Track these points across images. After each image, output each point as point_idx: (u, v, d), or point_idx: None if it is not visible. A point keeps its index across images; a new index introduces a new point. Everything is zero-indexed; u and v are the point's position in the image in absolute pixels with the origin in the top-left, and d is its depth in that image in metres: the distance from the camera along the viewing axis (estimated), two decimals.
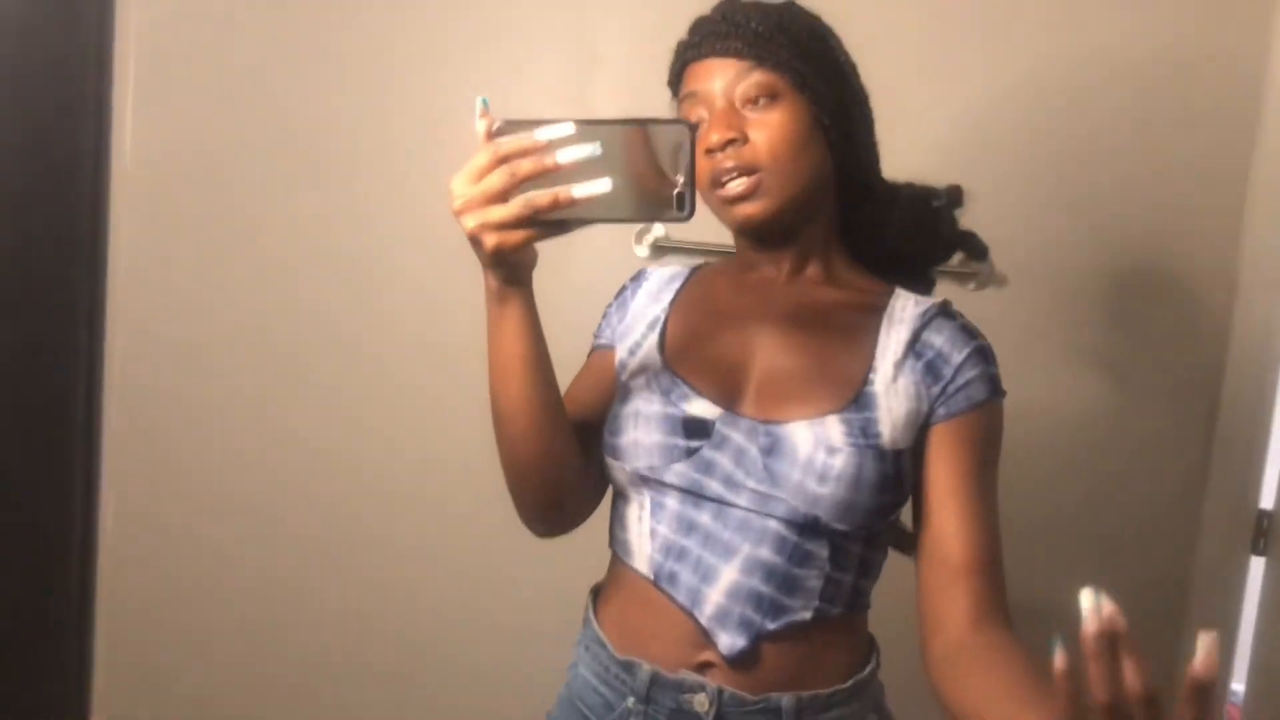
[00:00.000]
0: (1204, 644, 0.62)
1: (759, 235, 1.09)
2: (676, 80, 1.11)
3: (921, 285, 1.19)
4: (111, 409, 2.05)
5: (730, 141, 1.02)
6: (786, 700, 1.02)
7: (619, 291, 1.23)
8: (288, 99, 1.96)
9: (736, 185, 1.02)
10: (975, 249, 1.22)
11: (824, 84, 1.05)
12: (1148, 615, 1.74)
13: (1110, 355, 1.76)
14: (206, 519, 2.05)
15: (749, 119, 1.03)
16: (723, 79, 1.04)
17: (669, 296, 1.17)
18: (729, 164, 1.02)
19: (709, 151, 1.02)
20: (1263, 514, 1.77)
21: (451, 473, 1.93)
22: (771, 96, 1.03)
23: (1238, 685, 1.83)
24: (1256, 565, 1.78)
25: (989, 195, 1.73)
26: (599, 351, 1.20)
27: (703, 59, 1.06)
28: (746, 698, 1.02)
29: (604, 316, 1.22)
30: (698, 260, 1.29)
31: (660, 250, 1.83)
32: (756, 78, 1.03)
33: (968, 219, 1.20)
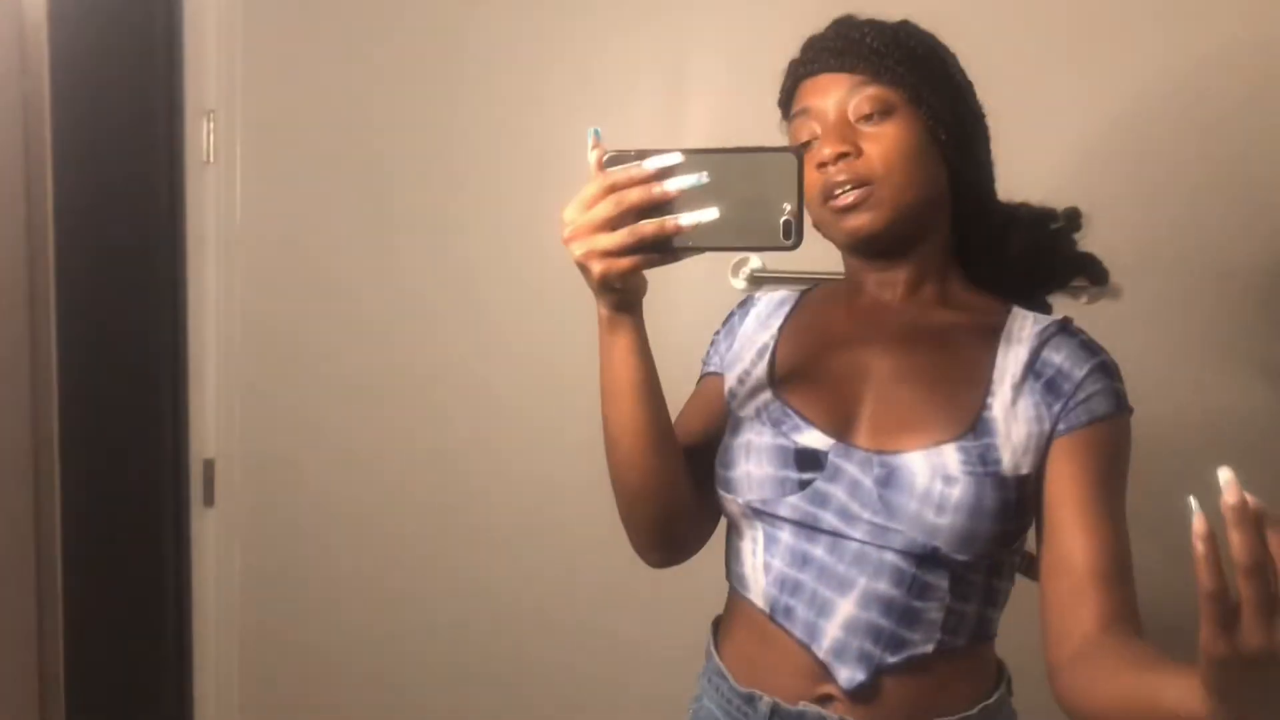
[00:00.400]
0: (1224, 478, 0.63)
1: (870, 249, 1.06)
2: (788, 100, 1.10)
3: (1039, 307, 1.14)
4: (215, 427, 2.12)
5: (843, 155, 1.00)
6: None
7: (726, 318, 1.22)
8: (386, 144, 2.03)
9: (848, 195, 1.00)
10: (1096, 273, 1.16)
11: (939, 99, 1.03)
12: None
13: (1244, 352, 1.67)
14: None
15: (863, 133, 1.01)
16: (837, 94, 1.03)
17: (778, 322, 1.16)
18: (841, 177, 1.00)
19: (821, 165, 1.01)
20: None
21: (573, 497, 1.93)
22: (886, 111, 1.01)
23: None
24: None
25: (1105, 207, 1.68)
26: (708, 379, 1.19)
27: (816, 75, 1.05)
28: None
29: (712, 344, 1.21)
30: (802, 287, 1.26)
31: (757, 282, 1.80)
32: (871, 92, 1.01)
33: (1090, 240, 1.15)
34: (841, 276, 1.16)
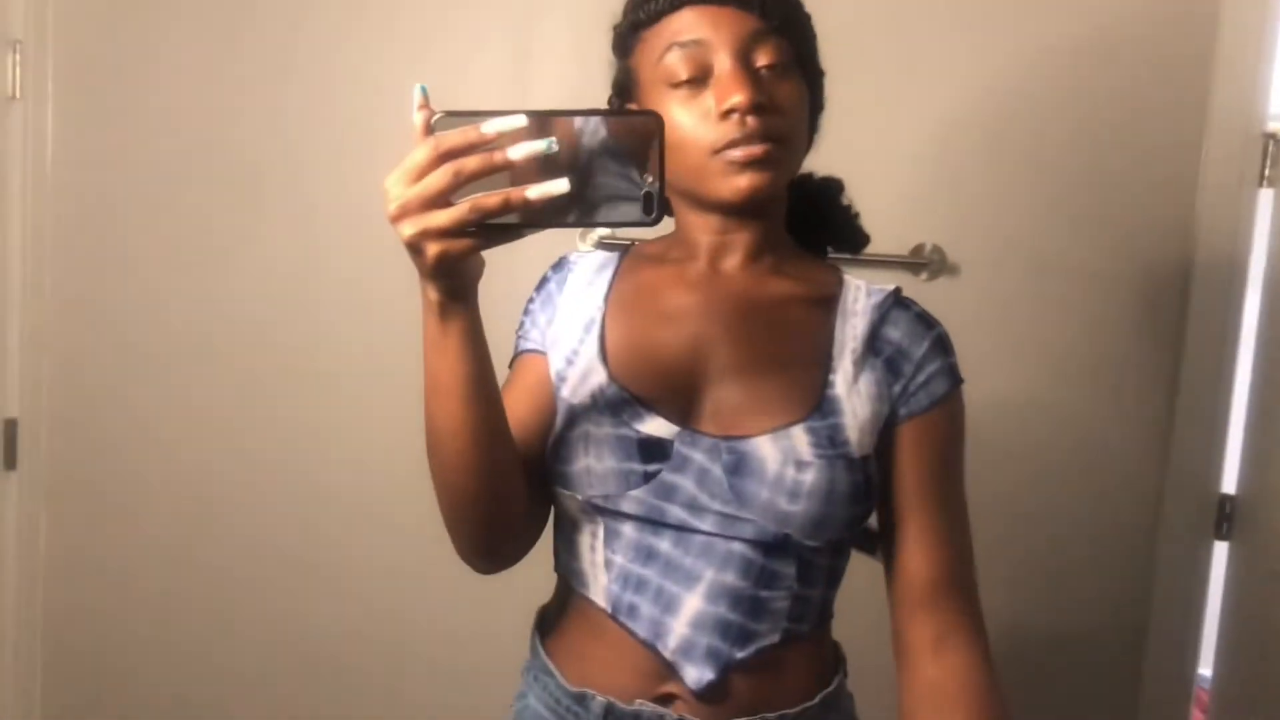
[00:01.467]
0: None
1: (747, 210, 0.98)
2: (651, 22, 0.97)
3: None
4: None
5: (760, 107, 0.91)
6: None
7: (540, 284, 1.10)
8: (217, 98, 1.91)
9: (757, 147, 0.92)
10: (855, 241, 1.14)
11: (816, 67, 1.00)
12: (1114, 604, 1.74)
13: (1067, 345, 1.74)
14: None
15: (765, 84, 0.94)
16: (740, 34, 0.93)
17: (602, 290, 1.05)
18: (752, 130, 0.91)
19: (730, 112, 0.91)
20: (1225, 498, 1.76)
21: (381, 487, 1.90)
22: (785, 66, 0.95)
23: (1205, 670, 1.81)
24: (1220, 550, 1.77)
25: (952, 185, 1.71)
26: (528, 356, 1.07)
27: (711, 2, 0.94)
28: None
29: (526, 313, 1.09)
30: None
31: (608, 248, 1.76)
32: (775, 42, 0.94)
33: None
34: (656, 238, 1.08)
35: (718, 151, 0.93)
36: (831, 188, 1.12)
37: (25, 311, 1.99)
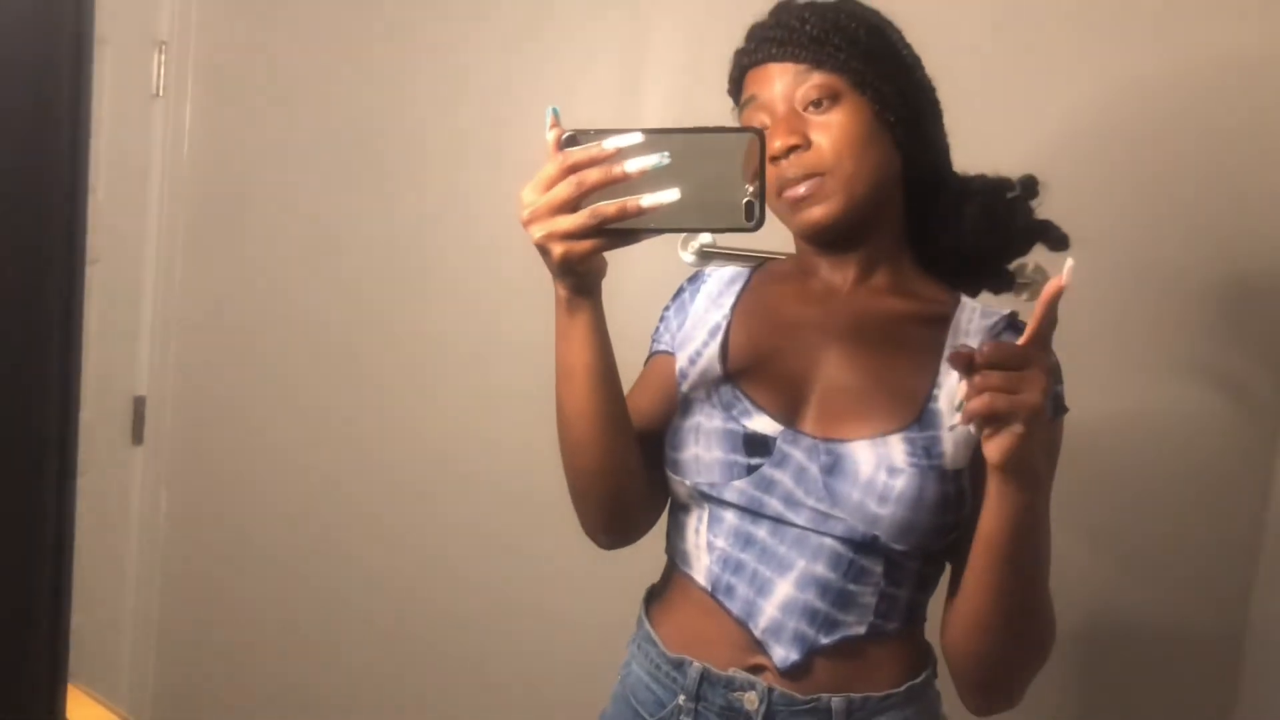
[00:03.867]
0: (1069, 267, 0.83)
1: (823, 240, 1.07)
2: (736, 88, 1.10)
3: (996, 282, 1.16)
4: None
5: (793, 148, 1.00)
6: (837, 701, 1.02)
7: (676, 294, 1.20)
8: (345, 108, 1.99)
9: (799, 188, 1.01)
10: (1053, 239, 1.14)
11: (885, 80, 1.03)
12: (1199, 682, 1.69)
13: (1177, 359, 1.70)
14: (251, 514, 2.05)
15: (812, 122, 1.02)
16: (781, 84, 1.03)
17: (729, 301, 1.14)
18: (792, 171, 1.01)
19: (773, 159, 1.00)
20: None
21: (516, 457, 1.91)
22: (832, 98, 1.01)
23: None
24: None
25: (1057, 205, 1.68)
26: (659, 357, 1.17)
27: (760, 64, 1.05)
28: (796, 697, 1.01)
29: (661, 320, 1.19)
30: (754, 262, 1.25)
31: (707, 256, 1.80)
32: (815, 80, 1.01)
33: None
34: (790, 253, 1.16)
35: (779, 195, 1.03)
36: (996, 187, 1.13)
37: (156, 296, 2.11)
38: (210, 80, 2.06)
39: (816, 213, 1.01)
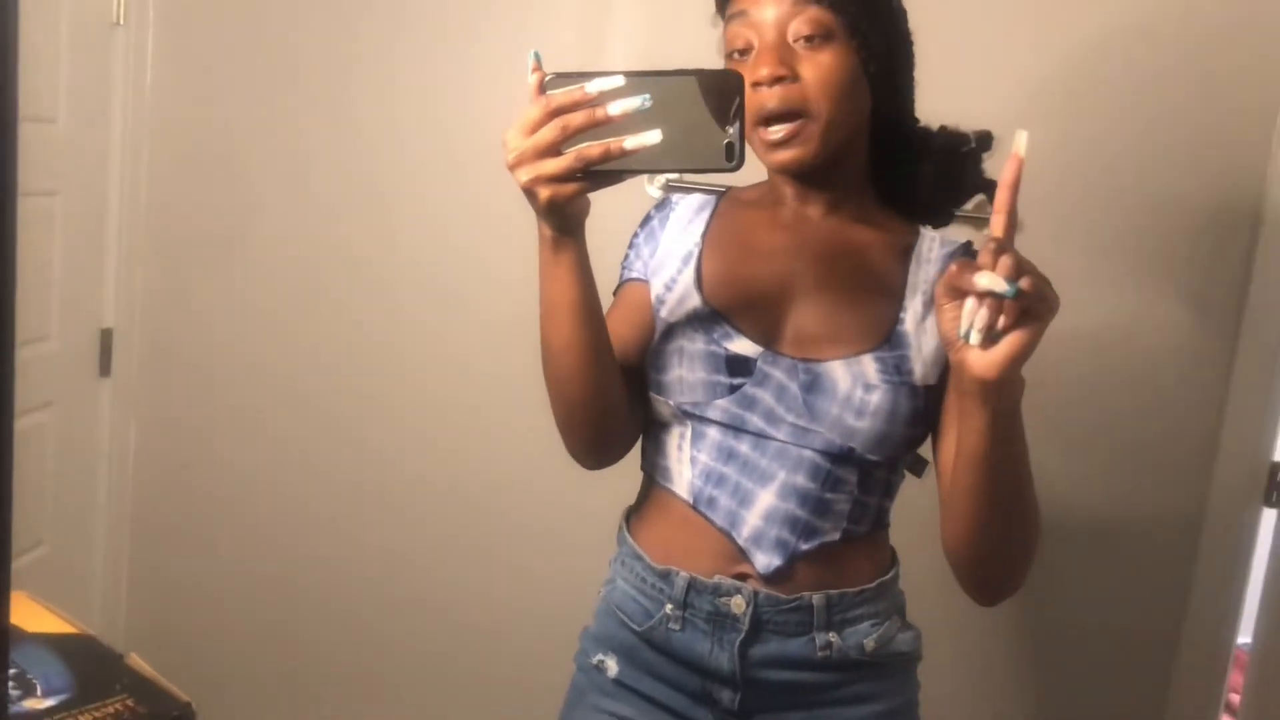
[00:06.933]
0: (1023, 138, 0.85)
1: (796, 177, 1.10)
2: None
3: (942, 220, 1.20)
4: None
5: (779, 79, 1.01)
6: (818, 598, 1.08)
7: (644, 221, 1.22)
8: (310, 33, 1.98)
9: (778, 131, 1.02)
10: (993, 195, 1.18)
11: (874, 30, 1.05)
12: (1158, 564, 1.76)
13: (1123, 317, 1.74)
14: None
15: (800, 56, 1.02)
16: (777, 8, 1.02)
17: (700, 228, 1.17)
18: (773, 104, 1.01)
19: (756, 84, 1.01)
20: (1276, 466, 1.76)
21: (481, 389, 1.97)
22: (825, 36, 1.02)
23: (1245, 639, 1.82)
24: (1268, 517, 1.77)
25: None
26: (632, 284, 1.20)
27: None
28: (781, 598, 1.08)
29: (631, 247, 1.22)
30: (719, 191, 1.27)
31: (672, 189, 1.80)
32: (812, 13, 1.01)
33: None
34: (752, 184, 1.19)
35: (756, 125, 1.03)
36: (954, 142, 1.16)
37: (122, 228, 2.10)
38: (171, 7, 2.03)
39: (790, 154, 1.03)
